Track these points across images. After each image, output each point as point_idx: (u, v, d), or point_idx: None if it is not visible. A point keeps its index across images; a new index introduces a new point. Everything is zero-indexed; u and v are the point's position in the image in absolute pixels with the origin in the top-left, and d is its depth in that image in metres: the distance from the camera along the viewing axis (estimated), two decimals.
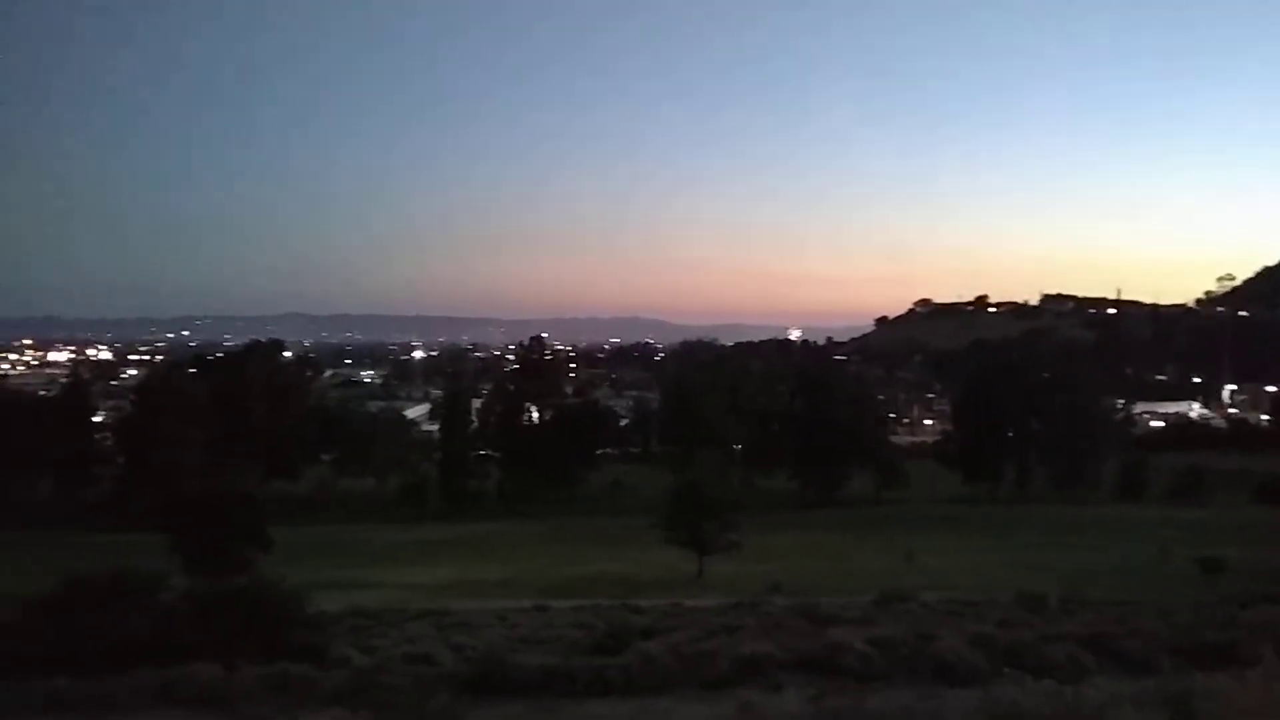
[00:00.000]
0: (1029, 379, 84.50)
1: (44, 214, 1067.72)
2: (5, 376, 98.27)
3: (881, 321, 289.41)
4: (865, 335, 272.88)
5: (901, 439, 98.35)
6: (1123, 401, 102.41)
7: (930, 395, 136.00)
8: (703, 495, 42.22)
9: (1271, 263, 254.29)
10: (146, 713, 10.50)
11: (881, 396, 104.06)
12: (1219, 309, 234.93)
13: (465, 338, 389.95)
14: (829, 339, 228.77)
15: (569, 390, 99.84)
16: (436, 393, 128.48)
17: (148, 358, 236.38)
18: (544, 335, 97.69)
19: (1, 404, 78.96)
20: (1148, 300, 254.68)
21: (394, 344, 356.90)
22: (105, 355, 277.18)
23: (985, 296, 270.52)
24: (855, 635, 15.59)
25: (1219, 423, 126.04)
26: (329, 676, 12.30)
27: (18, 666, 12.89)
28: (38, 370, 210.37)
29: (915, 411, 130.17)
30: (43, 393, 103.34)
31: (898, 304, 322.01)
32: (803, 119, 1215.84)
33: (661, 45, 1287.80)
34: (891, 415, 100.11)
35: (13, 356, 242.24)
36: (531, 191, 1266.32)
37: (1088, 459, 76.09)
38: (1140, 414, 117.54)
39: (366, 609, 24.79)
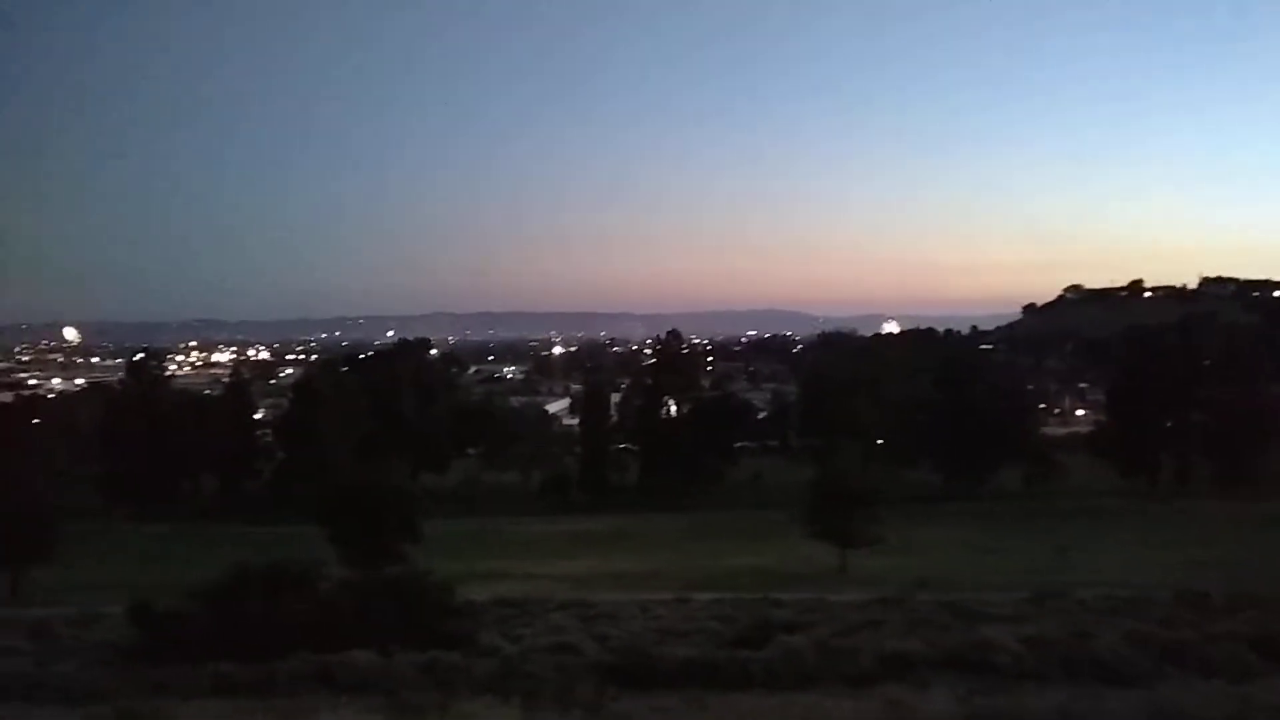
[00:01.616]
0: (1188, 366, 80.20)
1: (208, 222, 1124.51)
2: (172, 377, 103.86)
3: (1030, 309, 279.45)
4: (1012, 323, 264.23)
5: (1052, 430, 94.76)
6: None
7: (1082, 385, 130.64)
8: (845, 487, 41.63)
9: None
10: (306, 697, 10.94)
11: (1030, 386, 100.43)
12: None
13: (603, 333, 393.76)
14: (974, 328, 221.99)
15: (706, 383, 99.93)
16: (576, 387, 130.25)
17: (303, 357, 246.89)
18: (680, 329, 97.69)
19: (169, 403, 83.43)
20: None
21: (534, 340, 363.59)
22: (264, 355, 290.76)
23: (1140, 281, 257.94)
24: (1006, 632, 15.12)
25: None
26: (478, 664, 12.61)
27: (186, 651, 13.62)
28: (202, 370, 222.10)
29: (1066, 402, 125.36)
30: (207, 392, 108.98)
31: (1047, 290, 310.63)
32: (944, 105, 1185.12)
33: (802, 37, 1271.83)
34: (1041, 406, 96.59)
35: (179, 358, 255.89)
36: (669, 186, 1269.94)
37: (1252, 451, 71.76)
38: None
39: (512, 599, 25.25)
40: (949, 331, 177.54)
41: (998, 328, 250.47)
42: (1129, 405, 78.35)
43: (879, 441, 77.27)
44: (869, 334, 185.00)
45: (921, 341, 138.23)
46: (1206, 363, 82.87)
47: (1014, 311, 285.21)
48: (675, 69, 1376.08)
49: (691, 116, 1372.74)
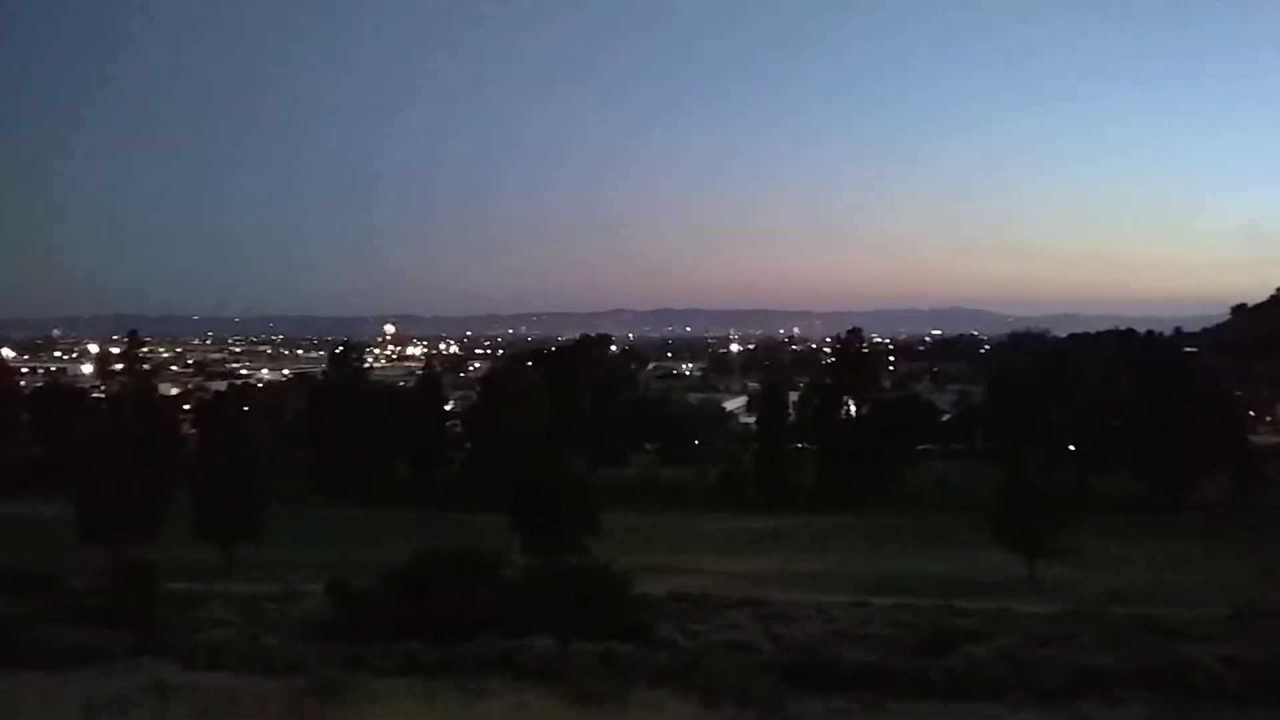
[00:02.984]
0: None
1: (404, 222, 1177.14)
2: (370, 368, 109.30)
3: (1239, 309, 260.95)
4: (1220, 325, 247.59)
5: (1262, 439, 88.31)
6: None
7: None
8: (1035, 493, 39.99)
9: None
10: (490, 679, 11.31)
11: (1238, 391, 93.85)
12: None
13: (782, 330, 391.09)
14: (1177, 329, 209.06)
15: (888, 383, 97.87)
16: (753, 385, 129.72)
17: (491, 352, 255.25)
18: (861, 327, 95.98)
19: (367, 393, 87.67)
20: None
21: (712, 337, 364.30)
22: (455, 350, 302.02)
23: None
24: (1205, 651, 14.25)
25: None
26: (655, 657, 12.76)
27: (378, 629, 14.32)
28: (397, 363, 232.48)
29: (1278, 409, 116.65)
30: (401, 384, 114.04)
31: (1258, 290, 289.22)
32: (1140, 97, 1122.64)
33: (974, 25, 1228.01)
34: (1250, 412, 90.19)
35: (376, 351, 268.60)
36: (848, 179, 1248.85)
37: None
38: None
39: (688, 594, 25.40)
40: (1150, 333, 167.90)
41: (1203, 330, 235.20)
42: None
43: (1071, 447, 73.87)
44: (1063, 334, 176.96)
45: (1120, 343, 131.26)
46: None
47: (1221, 312, 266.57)
48: (855, 60, 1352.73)
49: (876, 109, 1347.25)
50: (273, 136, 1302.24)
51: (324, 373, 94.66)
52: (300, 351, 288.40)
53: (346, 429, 77.73)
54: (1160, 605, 25.58)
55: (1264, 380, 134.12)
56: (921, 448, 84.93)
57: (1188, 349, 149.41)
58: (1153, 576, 37.93)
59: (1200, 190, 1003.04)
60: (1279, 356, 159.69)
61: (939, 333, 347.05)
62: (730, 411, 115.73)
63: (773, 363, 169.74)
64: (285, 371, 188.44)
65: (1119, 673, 12.52)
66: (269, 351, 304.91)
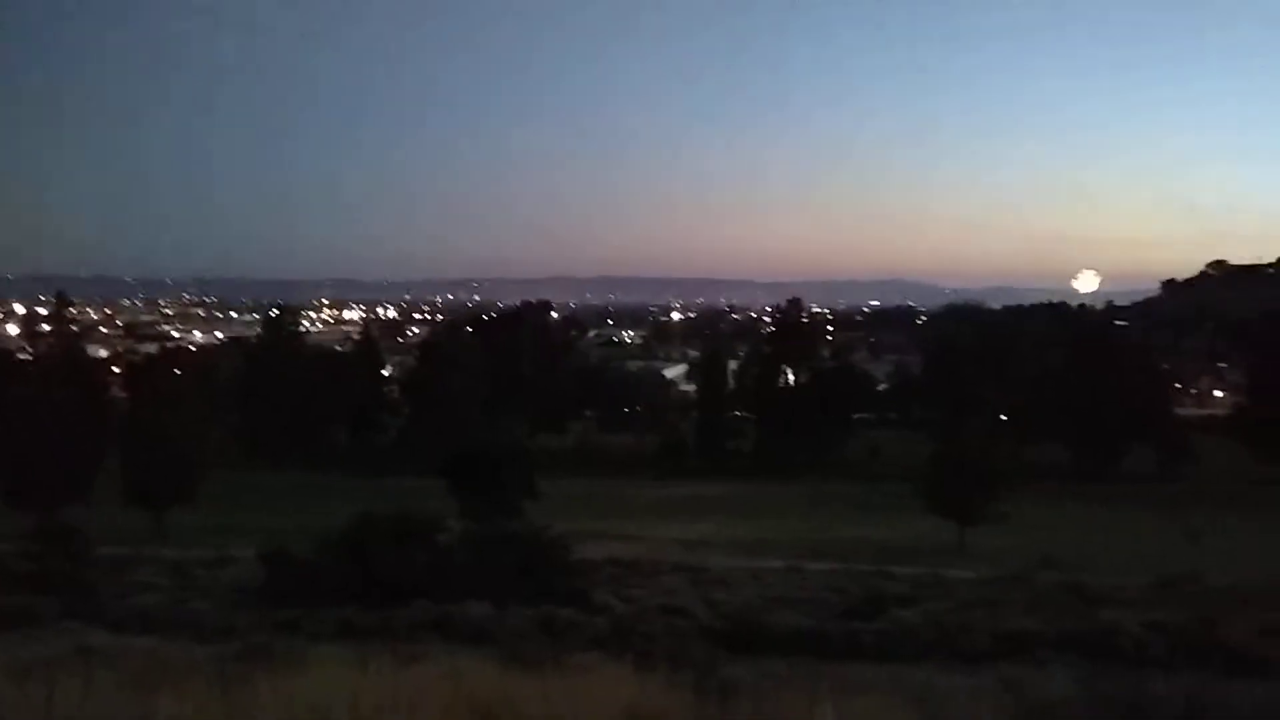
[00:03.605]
0: None
1: (342, 186, 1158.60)
2: (307, 333, 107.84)
3: (1169, 284, 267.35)
4: (1150, 299, 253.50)
5: (1189, 412, 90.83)
6: None
7: (1221, 365, 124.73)
8: (967, 462, 40.75)
9: None
10: (426, 644, 11.27)
11: (1167, 365, 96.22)
12: None
13: (723, 299, 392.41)
14: (1109, 303, 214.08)
15: (826, 353, 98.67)
16: (694, 354, 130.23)
17: (430, 317, 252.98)
18: (801, 298, 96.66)
19: (303, 357, 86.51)
20: None
21: (654, 306, 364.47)
22: (393, 314, 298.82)
23: None
24: (1130, 617, 14.68)
25: None
26: (591, 622, 12.83)
27: (313, 594, 14.19)
28: (335, 328, 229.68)
29: (1204, 383, 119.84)
30: (338, 348, 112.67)
31: (1188, 266, 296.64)
32: (1077, 65, 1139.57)
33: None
34: (1178, 386, 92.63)
35: (314, 315, 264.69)
36: (790, 151, 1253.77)
37: None
38: None
39: (625, 560, 25.57)
40: (1082, 306, 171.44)
41: (1134, 304, 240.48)
42: (1269, 387, 74.55)
43: (1004, 418, 75.35)
44: (998, 306, 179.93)
45: (1053, 315, 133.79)
46: None
47: (1152, 287, 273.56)
48: (796, 31, 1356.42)
49: (816, 80, 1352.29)
50: (208, 91, 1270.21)
51: (258, 336, 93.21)
52: (235, 315, 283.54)
53: (282, 393, 76.72)
54: (1087, 572, 26.28)
55: (1191, 354, 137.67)
56: (858, 417, 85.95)
57: (1119, 321, 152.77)
58: (1080, 544, 38.90)
59: (1138, 166, 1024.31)
60: (1206, 331, 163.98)
61: (877, 304, 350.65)
62: (670, 379, 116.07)
63: (713, 331, 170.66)
64: (219, 334, 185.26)
65: (1044, 637, 12.85)
66: (202, 314, 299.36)
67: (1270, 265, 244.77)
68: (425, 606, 12.57)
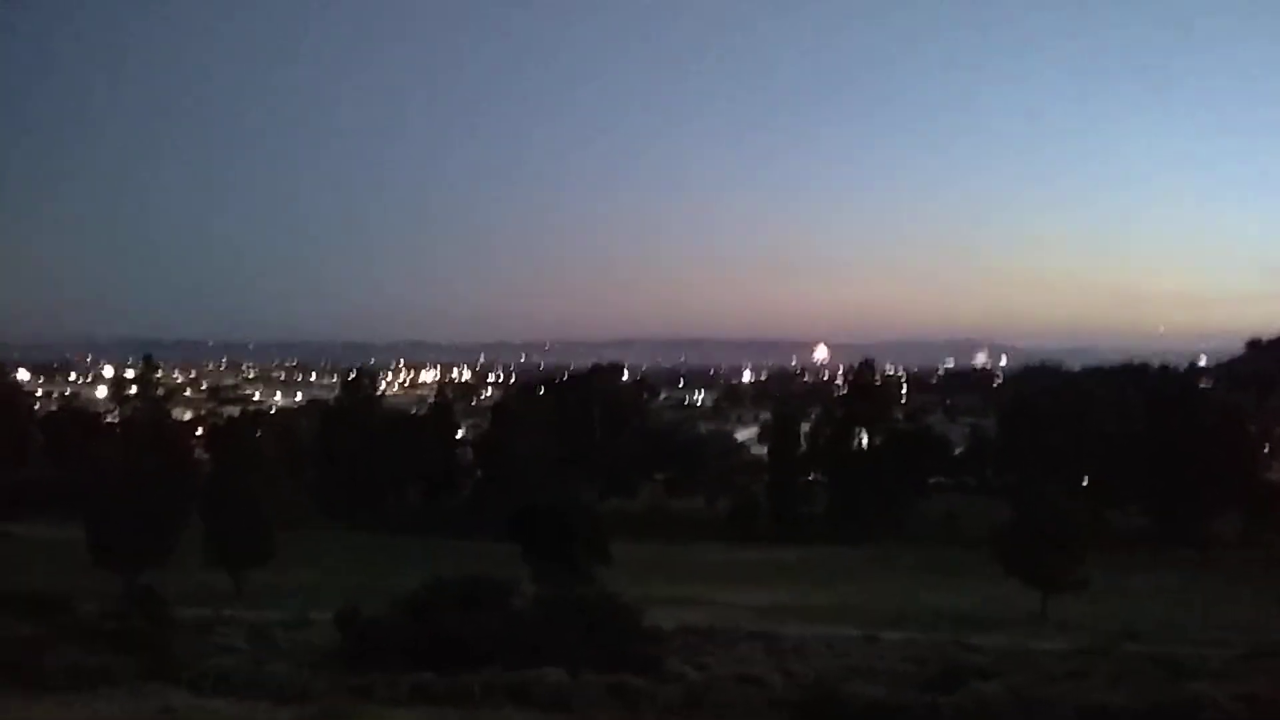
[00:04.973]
0: None
1: (418, 249, 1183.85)
2: (383, 395, 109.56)
3: (1254, 344, 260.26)
4: (1235, 359, 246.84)
5: (1277, 476, 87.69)
6: None
7: None
8: (1047, 526, 39.76)
9: None
10: (499, 710, 11.28)
11: (1254, 426, 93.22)
12: None
13: (795, 361, 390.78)
14: (1191, 363, 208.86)
15: (900, 415, 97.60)
16: (765, 415, 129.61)
17: (503, 379, 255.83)
18: (874, 358, 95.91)
19: (379, 419, 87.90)
20: None
21: (725, 367, 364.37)
22: (467, 376, 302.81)
23: None
24: (1220, 690, 14.11)
25: None
26: (664, 690, 12.71)
27: (387, 657, 14.29)
28: (410, 390, 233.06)
29: None
30: (414, 410, 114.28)
31: (1274, 324, 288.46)
32: (1159, 130, 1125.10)
33: (1002, 60, 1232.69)
34: (1265, 448, 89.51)
35: (389, 377, 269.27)
36: (862, 211, 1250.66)
37: None
38: None
39: (698, 626, 25.31)
40: (1164, 366, 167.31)
41: (1218, 364, 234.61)
42: None
43: (1085, 481, 73.53)
44: (1077, 367, 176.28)
45: (1134, 376, 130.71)
46: None
47: (1236, 346, 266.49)
48: (869, 88, 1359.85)
49: (888, 138, 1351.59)
50: (283, 161, 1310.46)
51: (336, 398, 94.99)
52: (314, 377, 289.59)
53: (358, 454, 77.90)
54: (1172, 642, 25.41)
55: (1278, 415, 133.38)
56: (933, 480, 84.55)
57: (1203, 383, 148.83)
58: (1165, 613, 37.65)
59: (1216, 223, 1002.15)
60: None
61: (951, 364, 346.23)
62: (741, 442, 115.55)
63: (784, 393, 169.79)
64: (298, 397, 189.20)
65: (1130, 711, 12.42)
66: (282, 377, 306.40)
67: None
68: (498, 672, 12.57)
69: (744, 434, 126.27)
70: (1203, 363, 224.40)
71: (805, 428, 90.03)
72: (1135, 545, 63.73)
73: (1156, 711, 12.21)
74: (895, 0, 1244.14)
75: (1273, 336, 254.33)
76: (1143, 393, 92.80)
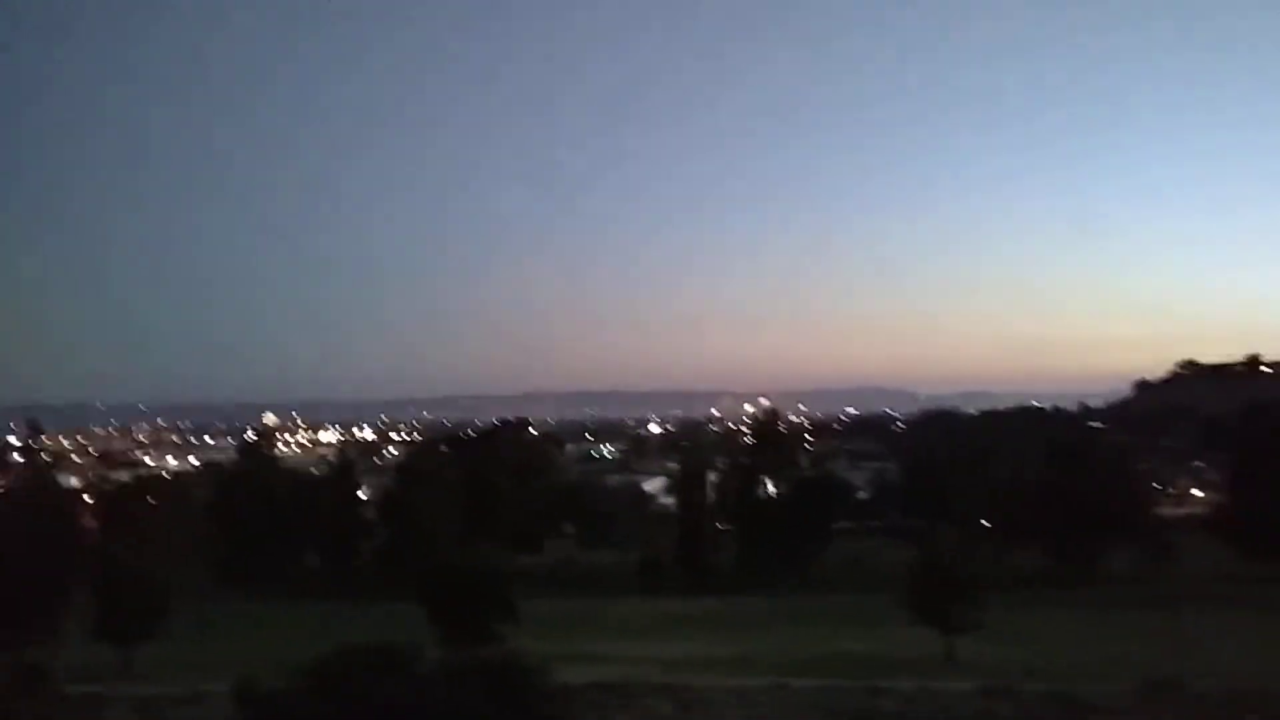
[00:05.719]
0: None
1: (316, 306, 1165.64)
2: (281, 456, 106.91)
3: (1141, 385, 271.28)
4: (1124, 401, 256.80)
5: (1168, 512, 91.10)
6: None
7: (1198, 464, 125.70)
8: (948, 570, 40.52)
9: None
10: None
11: (1143, 465, 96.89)
12: None
13: (700, 412, 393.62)
14: (1083, 405, 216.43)
15: (805, 462, 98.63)
16: (673, 466, 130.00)
17: (407, 436, 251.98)
18: (779, 407, 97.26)
19: (277, 482, 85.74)
20: None
21: (632, 419, 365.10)
22: (369, 435, 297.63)
23: (1258, 356, 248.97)
24: None
25: None
26: None
27: None
28: (309, 451, 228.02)
29: (1181, 482, 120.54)
30: (313, 470, 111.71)
31: (1159, 367, 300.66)
32: (1048, 182, 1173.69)
33: (893, 117, 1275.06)
34: (1155, 486, 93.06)
35: (288, 437, 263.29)
36: (766, 262, 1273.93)
37: None
38: None
39: (608, 683, 25.10)
40: (1057, 409, 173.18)
41: (1108, 405, 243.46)
42: (1249, 485, 75.02)
43: (984, 523, 75.29)
44: (974, 411, 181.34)
45: (1028, 419, 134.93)
46: None
47: (1125, 389, 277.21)
48: (763, 145, 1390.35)
49: (787, 194, 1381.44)
50: (172, 212, 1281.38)
51: (232, 461, 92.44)
52: (209, 439, 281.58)
53: (255, 519, 75.79)
54: (1073, 680, 26.06)
55: (1167, 454, 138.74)
56: (838, 526, 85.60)
57: (1094, 424, 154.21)
58: (1065, 651, 38.60)
59: (1104, 272, 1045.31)
60: (1180, 430, 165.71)
61: (855, 411, 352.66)
62: (649, 493, 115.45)
63: (691, 443, 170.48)
64: (193, 460, 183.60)
65: None
66: (176, 440, 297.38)
67: (1240, 364, 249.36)
68: None
69: (652, 485, 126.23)
70: (1094, 404, 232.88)
71: (713, 477, 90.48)
72: (1035, 585, 65.32)
73: None
74: (789, 44, 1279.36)
75: (1159, 378, 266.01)
76: (1036, 435, 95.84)
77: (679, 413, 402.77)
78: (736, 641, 44.85)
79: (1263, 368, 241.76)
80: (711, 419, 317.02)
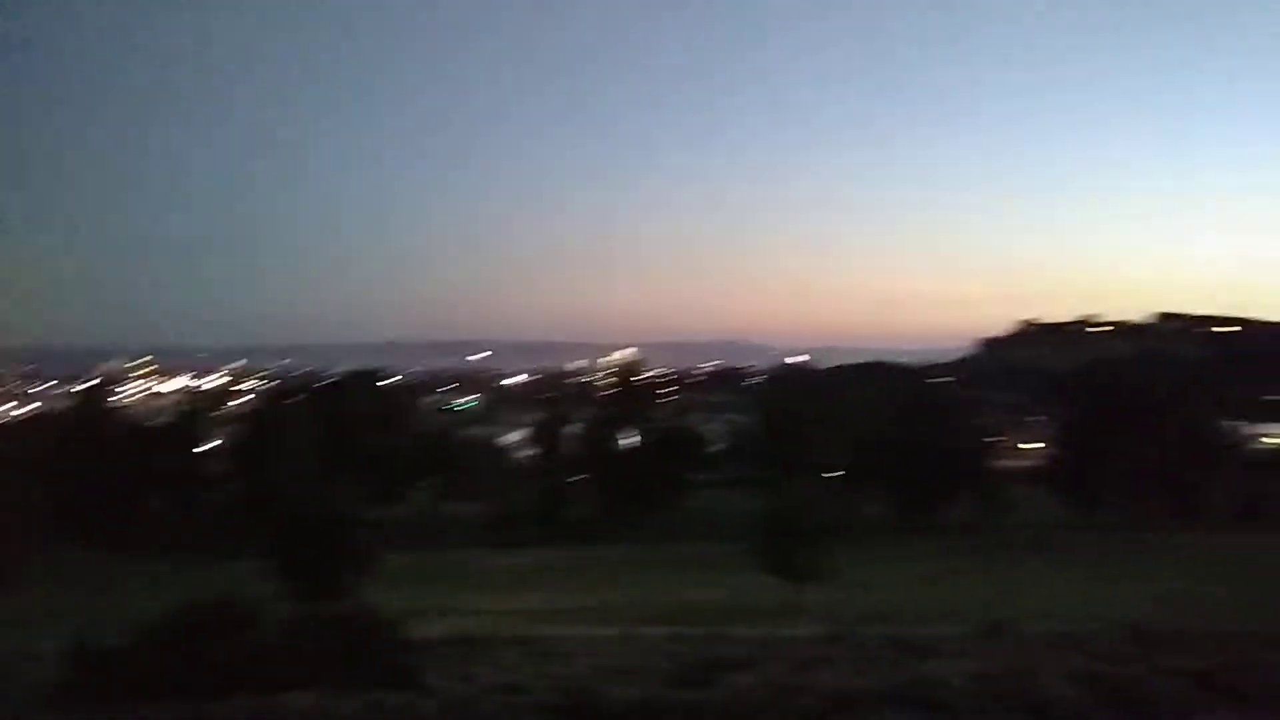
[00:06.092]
0: (1138, 400, 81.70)
1: (165, 249, 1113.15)
2: (123, 404, 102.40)
3: (986, 343, 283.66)
4: (968, 357, 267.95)
5: (1006, 463, 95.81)
6: (1240, 423, 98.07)
7: (1035, 419, 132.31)
8: (797, 520, 41.75)
9: None
10: None
11: (984, 419, 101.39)
12: None
13: (564, 362, 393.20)
14: (930, 361, 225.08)
15: (663, 415, 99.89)
16: (534, 418, 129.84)
17: (259, 384, 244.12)
18: (640, 359, 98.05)
19: (118, 431, 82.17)
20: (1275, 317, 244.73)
21: (494, 370, 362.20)
22: (220, 383, 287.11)
23: (1095, 316, 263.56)
24: (953, 669, 15.30)
25: None
26: (424, 704, 12.56)
27: (125, 691, 13.41)
28: (155, 397, 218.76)
29: (1020, 435, 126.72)
30: (158, 419, 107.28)
31: (1003, 325, 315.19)
32: (898, 130, 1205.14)
33: (762, 76, 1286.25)
34: (994, 439, 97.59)
35: (134, 385, 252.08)
36: (631, 213, 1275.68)
37: (1200, 484, 73.14)
38: (1260, 436, 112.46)
39: (463, 636, 25.05)
40: (905, 365, 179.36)
41: (954, 361, 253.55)
42: (1080, 439, 79.59)
43: (833, 474, 77.78)
44: (827, 366, 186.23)
45: (877, 374, 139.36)
46: (1157, 396, 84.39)
47: (971, 345, 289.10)
48: (634, 100, 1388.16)
49: (654, 141, 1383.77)
50: (21, 153, 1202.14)
51: (72, 408, 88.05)
52: (46, 386, 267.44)
53: (95, 470, 72.51)
54: (914, 624, 27.29)
55: (1007, 408, 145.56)
56: (695, 477, 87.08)
57: (940, 379, 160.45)
58: (908, 596, 40.43)
59: (954, 231, 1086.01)
60: (1020, 385, 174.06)
61: (715, 364, 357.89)
62: (510, 445, 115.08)
63: (553, 395, 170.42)
64: (31, 407, 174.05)
65: (873, 693, 13.28)
66: (16, 386, 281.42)
67: (1078, 323, 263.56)
68: (241, 701, 12.06)
69: (513, 437, 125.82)
70: (943, 360, 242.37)
71: (575, 429, 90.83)
72: (881, 534, 67.96)
73: (894, 691, 13.10)
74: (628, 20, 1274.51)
75: (1002, 336, 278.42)
76: (884, 390, 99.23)
77: (544, 364, 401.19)
78: (592, 592, 45.41)
79: (1100, 328, 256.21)
80: (572, 370, 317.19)
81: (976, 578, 48.06)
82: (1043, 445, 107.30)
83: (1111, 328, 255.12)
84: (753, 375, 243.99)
